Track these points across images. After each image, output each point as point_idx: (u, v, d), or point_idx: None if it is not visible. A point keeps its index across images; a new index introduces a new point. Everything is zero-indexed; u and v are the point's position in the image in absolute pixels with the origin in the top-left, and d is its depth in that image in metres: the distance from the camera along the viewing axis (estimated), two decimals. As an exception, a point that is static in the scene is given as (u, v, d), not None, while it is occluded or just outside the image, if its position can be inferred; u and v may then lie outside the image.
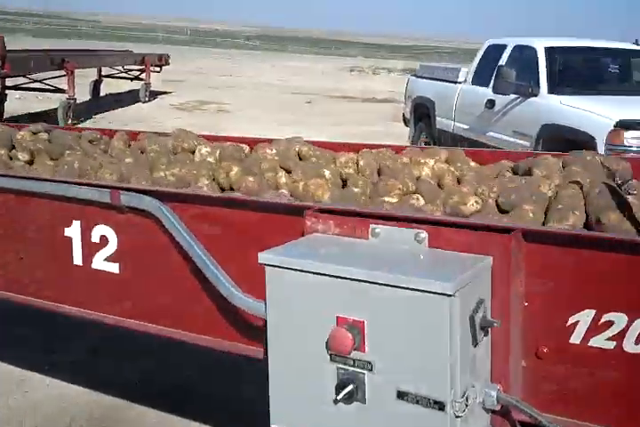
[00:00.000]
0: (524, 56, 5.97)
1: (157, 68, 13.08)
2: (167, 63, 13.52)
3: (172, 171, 2.11)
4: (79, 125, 9.00)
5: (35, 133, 2.90)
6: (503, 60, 6.09)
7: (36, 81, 9.00)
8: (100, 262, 1.82)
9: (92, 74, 11.74)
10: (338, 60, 39.46)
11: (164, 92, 14.22)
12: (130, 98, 12.53)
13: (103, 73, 12.04)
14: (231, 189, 2.04)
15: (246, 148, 2.42)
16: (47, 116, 9.23)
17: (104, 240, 1.81)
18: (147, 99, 12.41)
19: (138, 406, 2.48)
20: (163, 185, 2.03)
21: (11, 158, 2.58)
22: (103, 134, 2.99)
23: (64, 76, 9.06)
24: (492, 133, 5.86)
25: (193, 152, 2.35)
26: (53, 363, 2.77)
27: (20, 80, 9.01)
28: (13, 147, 2.63)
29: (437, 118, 6.86)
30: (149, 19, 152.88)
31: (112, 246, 1.79)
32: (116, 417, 2.44)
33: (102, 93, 12.39)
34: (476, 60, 6.73)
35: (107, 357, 2.83)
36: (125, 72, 12.47)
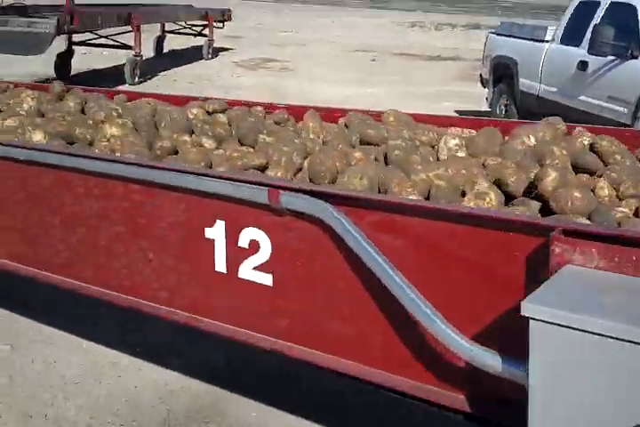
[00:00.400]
0: (622, 14, 5.52)
1: (220, 24, 12.82)
2: (230, 19, 13.26)
3: (434, 172, 1.76)
4: (145, 82, 8.94)
5: (210, 113, 2.77)
6: (597, 19, 5.66)
7: (102, 37, 8.90)
8: (248, 271, 1.58)
9: (153, 29, 11.60)
10: (397, 15, 38.32)
11: (226, 49, 13.98)
12: (193, 54, 12.37)
13: (166, 29, 11.92)
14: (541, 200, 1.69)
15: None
16: (114, 73, 9.19)
17: (254, 246, 1.56)
18: (209, 56, 12.22)
19: (236, 396, 2.32)
20: (425, 191, 1.69)
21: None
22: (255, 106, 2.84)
23: (128, 32, 8.94)
24: (583, 98, 5.49)
25: (433, 146, 2.18)
26: (144, 344, 2.64)
27: (86, 36, 8.93)
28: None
29: (520, 80, 6.47)
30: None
31: (264, 254, 1.55)
32: (215, 410, 2.28)
33: (165, 50, 12.28)
34: (566, 17, 6.28)
35: (196, 340, 2.71)
36: (189, 28, 12.27)
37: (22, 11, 7.70)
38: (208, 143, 2.35)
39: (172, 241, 1.74)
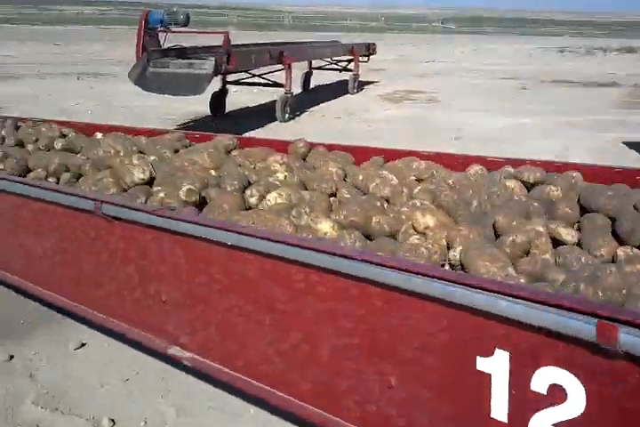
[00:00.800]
0: None
1: (365, 58, 12.87)
2: (374, 53, 13.27)
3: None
4: (295, 119, 9.05)
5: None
6: None
7: (254, 75, 9.14)
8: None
9: (299, 66, 11.82)
10: (542, 41, 37.13)
11: (370, 82, 14.02)
12: (338, 89, 12.47)
13: (312, 65, 12.12)
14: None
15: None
16: (264, 110, 9.41)
17: (557, 393, 1.15)
18: (355, 90, 12.27)
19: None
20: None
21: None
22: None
23: (279, 70, 9.12)
24: None
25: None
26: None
27: (239, 74, 9.21)
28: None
29: None
30: (329, 7, 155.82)
31: (573, 407, 1.13)
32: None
33: (311, 86, 12.49)
34: None
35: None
36: (335, 63, 12.42)
37: (182, 52, 8.06)
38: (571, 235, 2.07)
39: (426, 367, 1.40)
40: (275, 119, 8.70)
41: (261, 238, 1.73)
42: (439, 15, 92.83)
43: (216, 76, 7.54)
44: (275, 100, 8.95)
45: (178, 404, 2.32)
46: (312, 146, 3.34)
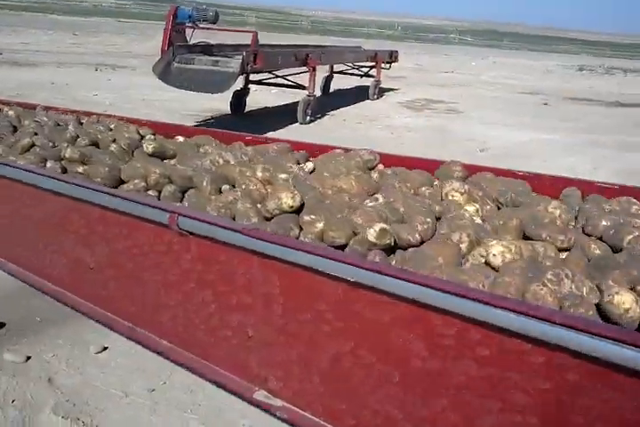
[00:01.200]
0: None
1: (387, 65, 12.76)
2: (397, 60, 13.17)
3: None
4: (316, 121, 8.93)
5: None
6: None
7: (277, 76, 9.03)
8: None
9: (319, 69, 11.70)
10: (560, 58, 37.02)
11: (390, 89, 13.91)
12: (358, 95, 12.37)
13: (333, 69, 12.03)
14: None
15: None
16: (284, 111, 9.29)
17: None
18: (375, 96, 12.16)
19: None
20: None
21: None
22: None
23: (302, 73, 9.02)
24: None
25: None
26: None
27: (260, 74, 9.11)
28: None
29: None
30: (347, 13, 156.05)
31: None
32: None
33: (331, 90, 12.39)
34: None
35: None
36: (356, 68, 12.32)
37: (208, 49, 7.95)
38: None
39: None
40: (295, 121, 8.59)
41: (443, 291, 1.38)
42: (456, 27, 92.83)
43: (241, 75, 7.42)
44: (294, 102, 8.86)
45: (207, 421, 2.19)
46: (471, 168, 2.75)
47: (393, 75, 15.43)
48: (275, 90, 10.83)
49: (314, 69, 8.87)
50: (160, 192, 2.55)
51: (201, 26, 7.81)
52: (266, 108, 10.04)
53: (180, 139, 3.41)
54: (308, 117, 8.72)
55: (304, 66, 8.82)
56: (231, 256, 1.80)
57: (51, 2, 62.54)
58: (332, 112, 10.09)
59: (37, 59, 14.54)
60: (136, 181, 2.61)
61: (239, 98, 8.95)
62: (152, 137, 3.39)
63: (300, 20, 68.39)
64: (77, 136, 3.18)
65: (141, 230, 2.06)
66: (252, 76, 8.95)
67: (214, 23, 7.97)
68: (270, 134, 7.75)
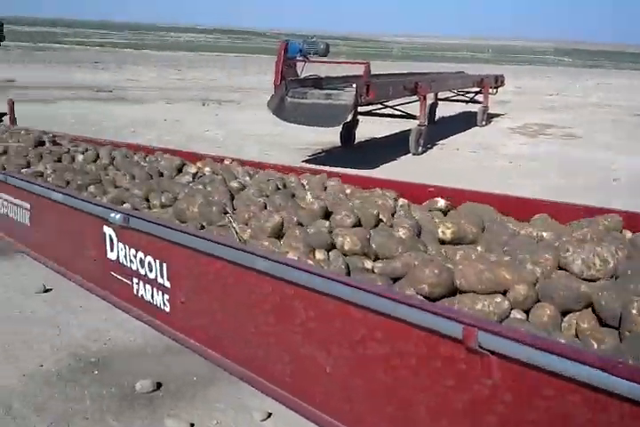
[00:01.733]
0: None
1: (493, 90, 12.34)
2: (503, 84, 12.75)
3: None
4: (428, 152, 8.63)
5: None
6: None
7: (386, 106, 8.82)
8: None
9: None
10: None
11: (496, 115, 13.44)
12: (465, 121, 11.99)
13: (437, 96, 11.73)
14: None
15: None
16: (394, 141, 9.05)
17: None
18: (484, 122, 11.74)
19: None
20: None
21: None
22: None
23: (409, 103, 8.78)
24: None
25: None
26: None
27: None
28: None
29: None
30: (429, 38, 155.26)
31: None
32: None
33: (436, 117, 12.08)
34: None
35: None
36: (462, 94, 11.97)
37: (318, 83, 7.86)
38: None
39: None
40: (406, 152, 8.33)
41: None
42: (544, 47, 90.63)
43: (355, 107, 7.26)
44: (401, 132, 8.62)
45: None
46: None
47: (496, 99, 14.94)
48: (379, 120, 10.66)
49: (424, 98, 8.63)
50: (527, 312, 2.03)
51: (312, 59, 7.73)
52: (373, 139, 9.85)
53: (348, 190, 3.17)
54: (421, 148, 8.44)
55: (414, 95, 8.59)
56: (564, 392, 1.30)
57: (150, 39, 65.81)
58: (442, 141, 9.76)
59: (145, 95, 15.05)
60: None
61: (349, 130, 8.79)
62: (448, 224, 2.66)
63: (391, 46, 68.69)
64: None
65: (412, 339, 1.60)
66: (360, 107, 8.80)
67: (324, 56, 7.88)
68: (384, 167, 7.52)
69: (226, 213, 2.64)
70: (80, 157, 3.32)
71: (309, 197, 2.78)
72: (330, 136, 8.87)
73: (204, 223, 2.59)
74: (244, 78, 21.82)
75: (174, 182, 3.08)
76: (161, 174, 3.22)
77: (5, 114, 5.82)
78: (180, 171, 3.31)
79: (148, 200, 2.86)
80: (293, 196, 2.94)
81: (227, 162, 3.72)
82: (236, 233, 2.26)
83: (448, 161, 8.04)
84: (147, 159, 3.57)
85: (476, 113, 11.91)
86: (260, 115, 11.33)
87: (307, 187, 3.22)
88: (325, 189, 3.36)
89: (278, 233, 2.51)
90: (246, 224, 2.61)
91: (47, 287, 3.50)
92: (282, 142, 9.06)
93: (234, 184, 2.98)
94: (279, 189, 3.04)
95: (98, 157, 3.31)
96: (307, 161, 7.71)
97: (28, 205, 2.53)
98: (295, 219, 2.53)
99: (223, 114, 12.31)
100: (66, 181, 2.92)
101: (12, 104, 5.41)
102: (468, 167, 7.55)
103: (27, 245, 2.65)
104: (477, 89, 11.87)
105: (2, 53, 28.76)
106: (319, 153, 8.46)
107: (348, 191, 3.23)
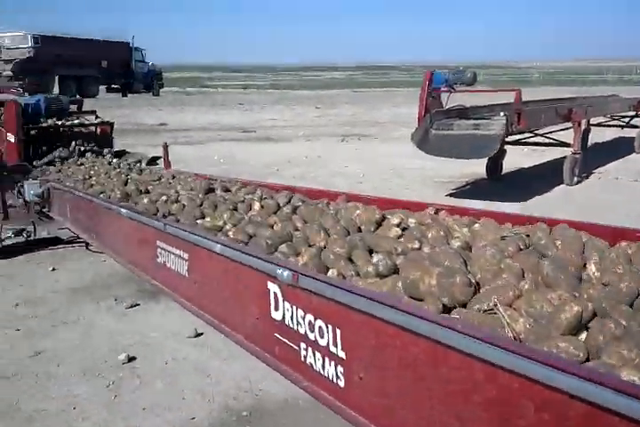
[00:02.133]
0: None
1: (650, 113, 11.42)
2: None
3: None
4: (584, 182, 8.04)
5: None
6: None
7: (537, 135, 8.36)
8: None
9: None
10: None
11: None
12: (620, 148, 11.15)
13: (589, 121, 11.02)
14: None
15: None
16: (542, 172, 8.54)
17: None
18: (644, 148, 10.86)
19: None
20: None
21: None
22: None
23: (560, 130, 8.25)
24: None
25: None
26: None
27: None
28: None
29: None
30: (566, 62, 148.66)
31: None
32: None
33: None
34: None
35: None
36: (617, 119, 11.19)
37: (464, 113, 7.59)
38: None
39: None
40: (558, 182, 7.80)
41: None
42: None
43: (506, 136, 6.91)
44: (549, 161, 8.11)
45: None
46: None
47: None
48: (525, 149, 10.15)
49: (579, 124, 8.10)
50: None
51: (457, 89, 7.50)
52: (521, 169, 9.35)
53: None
54: (576, 178, 7.88)
55: (567, 121, 8.08)
56: None
57: (291, 79, 68.37)
58: (598, 169, 9.10)
59: (286, 133, 15.42)
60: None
61: (495, 160, 8.39)
62: None
63: (529, 72, 66.70)
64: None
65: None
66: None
67: (471, 85, 7.62)
68: (536, 199, 7.07)
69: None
70: (257, 206, 3.05)
71: (593, 268, 1.86)
72: (474, 168, 8.51)
73: (446, 300, 1.69)
74: (381, 112, 21.89)
75: (382, 238, 2.32)
76: (359, 228, 2.43)
77: (159, 157, 6.05)
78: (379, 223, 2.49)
79: (351, 260, 2.06)
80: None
81: (429, 210, 2.68)
82: (507, 324, 1.41)
83: (605, 191, 7.43)
84: (329, 206, 2.96)
85: (631, 138, 11.06)
86: (398, 148, 11.22)
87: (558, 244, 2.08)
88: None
89: (577, 328, 1.50)
90: (511, 306, 1.63)
91: (198, 331, 3.48)
92: (424, 175, 8.82)
93: (456, 243, 2.14)
94: (520, 249, 2.03)
95: (279, 206, 2.99)
96: (451, 195, 7.42)
97: (187, 255, 2.45)
98: (590, 306, 1.54)
99: (362, 148, 12.30)
100: (248, 235, 2.47)
101: (166, 148, 5.60)
102: (631, 198, 6.91)
103: (182, 295, 2.55)
104: (633, 113, 11.07)
105: (157, 99, 30.95)
106: (464, 186, 8.13)
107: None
